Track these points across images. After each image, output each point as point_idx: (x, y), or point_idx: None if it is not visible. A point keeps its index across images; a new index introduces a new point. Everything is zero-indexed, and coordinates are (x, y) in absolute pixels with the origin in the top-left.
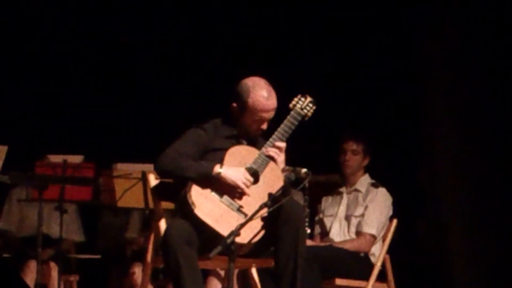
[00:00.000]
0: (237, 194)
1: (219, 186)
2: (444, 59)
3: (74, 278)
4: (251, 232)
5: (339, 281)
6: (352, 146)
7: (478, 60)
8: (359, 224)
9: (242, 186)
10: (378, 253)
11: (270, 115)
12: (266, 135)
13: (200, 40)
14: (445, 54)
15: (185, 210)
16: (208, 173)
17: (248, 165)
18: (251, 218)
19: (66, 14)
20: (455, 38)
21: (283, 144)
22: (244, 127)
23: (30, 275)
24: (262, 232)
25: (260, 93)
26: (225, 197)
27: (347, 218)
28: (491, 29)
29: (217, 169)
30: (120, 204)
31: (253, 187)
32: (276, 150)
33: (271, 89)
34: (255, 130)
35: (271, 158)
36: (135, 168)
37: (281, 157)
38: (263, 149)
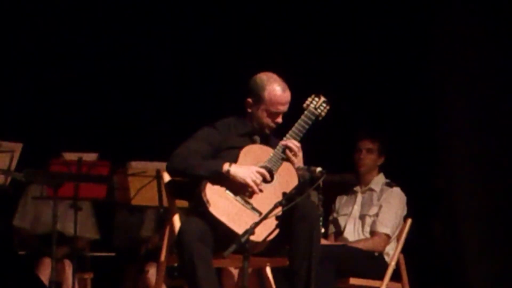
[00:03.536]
0: (248, 192)
1: (233, 185)
2: (463, 59)
3: (88, 276)
4: (265, 231)
5: (353, 281)
6: (368, 144)
7: (497, 60)
8: (373, 224)
9: (251, 183)
10: (393, 253)
11: (286, 107)
12: (280, 135)
13: (214, 39)
14: (464, 53)
15: (199, 208)
16: (218, 171)
17: (262, 164)
18: (265, 217)
19: (83, 13)
20: (474, 38)
21: (297, 144)
22: (259, 121)
23: (45, 273)
24: (277, 231)
25: (275, 86)
26: (240, 195)
27: (362, 217)
28: (509, 29)
29: (226, 167)
30: (135, 202)
31: (268, 186)
32: (293, 148)
33: (284, 82)
34: (270, 124)
35: (288, 159)
36: (150, 166)
37: (298, 157)
38: (277, 148)
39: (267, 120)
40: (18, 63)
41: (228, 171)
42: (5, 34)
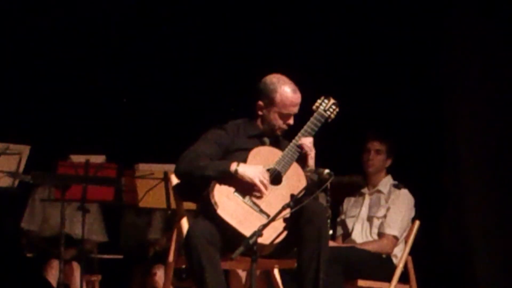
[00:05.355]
0: (256, 192)
1: (241, 186)
2: (470, 61)
3: (96, 278)
4: (273, 233)
5: (361, 282)
6: (377, 145)
7: (504, 62)
8: (381, 225)
9: (258, 183)
10: (401, 255)
11: (297, 109)
12: (289, 136)
13: (223, 41)
14: (471, 55)
15: (208, 210)
16: (226, 170)
17: (271, 166)
18: (273, 219)
19: (90, 16)
20: (481, 39)
21: (310, 139)
22: (270, 123)
23: (53, 275)
24: (285, 233)
25: (286, 87)
26: (248, 197)
27: (369, 219)
28: None
29: (234, 166)
30: (142, 204)
31: (276, 188)
32: (309, 146)
33: (294, 84)
34: (281, 125)
35: (305, 155)
36: (157, 168)
37: (312, 152)
38: (287, 150)
39: (279, 122)
40: (26, 66)
41: (236, 171)
42: (13, 36)
